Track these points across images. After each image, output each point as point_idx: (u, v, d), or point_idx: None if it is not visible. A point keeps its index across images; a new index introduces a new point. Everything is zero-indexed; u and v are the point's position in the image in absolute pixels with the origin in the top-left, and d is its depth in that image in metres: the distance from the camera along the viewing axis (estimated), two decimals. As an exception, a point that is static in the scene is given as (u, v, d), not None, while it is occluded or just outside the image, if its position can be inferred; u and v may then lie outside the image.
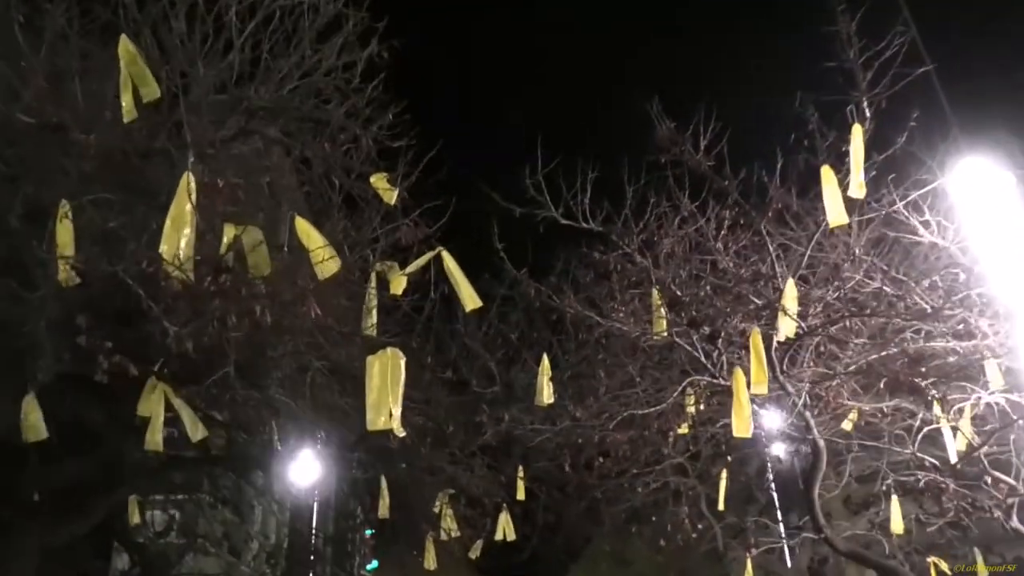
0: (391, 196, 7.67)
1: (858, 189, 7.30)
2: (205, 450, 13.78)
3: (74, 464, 11.13)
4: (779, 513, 16.69)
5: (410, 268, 7.20)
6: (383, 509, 11.96)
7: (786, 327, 8.57)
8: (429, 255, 7.18)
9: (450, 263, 7.15)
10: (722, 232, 9.60)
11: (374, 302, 7.23)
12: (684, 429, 12.54)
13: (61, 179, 6.30)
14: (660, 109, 9.40)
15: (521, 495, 14.98)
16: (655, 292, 10.01)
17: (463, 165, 9.38)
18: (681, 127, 9.31)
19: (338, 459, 13.16)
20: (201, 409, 12.54)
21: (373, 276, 7.52)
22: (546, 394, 10.60)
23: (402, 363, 5.89)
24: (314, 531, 20.42)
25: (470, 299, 7.17)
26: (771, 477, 16.40)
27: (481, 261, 10.43)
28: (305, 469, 16.99)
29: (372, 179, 7.62)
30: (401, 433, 5.77)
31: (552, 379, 10.67)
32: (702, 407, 12.41)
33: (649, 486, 14.47)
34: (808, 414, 9.71)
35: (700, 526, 14.14)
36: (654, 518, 15.19)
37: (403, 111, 8.31)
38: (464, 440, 12.09)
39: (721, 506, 13.51)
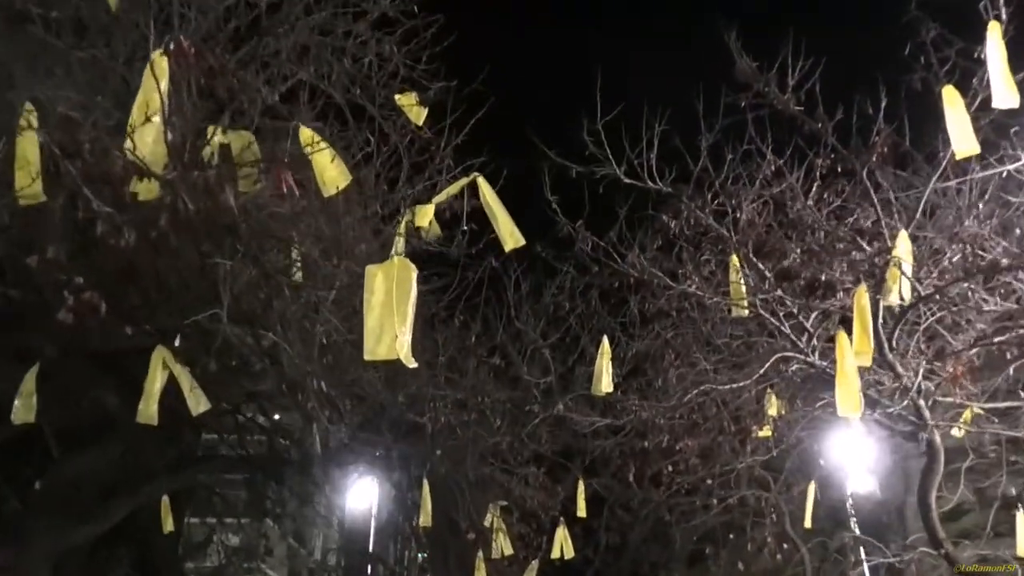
0: (420, 115, 6.42)
1: (1008, 93, 5.65)
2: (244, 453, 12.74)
3: (88, 456, 10.08)
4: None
5: (440, 196, 5.90)
6: (424, 517, 10.54)
7: (898, 289, 6.94)
8: (463, 181, 5.88)
9: (487, 193, 5.85)
10: (815, 185, 8.01)
11: (402, 245, 5.91)
12: (766, 432, 10.85)
13: (28, 77, 5.21)
14: (739, 45, 7.95)
15: (582, 512, 13.39)
16: (734, 259, 8.46)
17: (507, 111, 8.03)
18: (764, 66, 7.84)
19: (373, 455, 11.84)
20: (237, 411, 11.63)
21: (402, 223, 6.19)
22: (605, 382, 9.09)
23: (413, 276, 4.54)
24: (369, 551, 19.14)
25: (510, 236, 5.82)
26: (850, 499, 14.24)
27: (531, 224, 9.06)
28: (358, 486, 15.92)
29: (398, 98, 6.39)
30: (411, 364, 4.40)
31: (613, 363, 9.17)
32: (783, 412, 10.81)
33: (725, 502, 12.73)
34: (923, 403, 7.98)
35: (785, 546, 12.28)
36: (731, 536, 13.36)
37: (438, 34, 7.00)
38: (513, 439, 10.59)
39: (808, 523, 11.68)
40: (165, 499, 13.07)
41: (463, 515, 10.09)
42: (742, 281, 8.49)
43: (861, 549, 12.78)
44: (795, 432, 11.58)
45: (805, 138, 7.88)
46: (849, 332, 6.70)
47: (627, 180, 8.58)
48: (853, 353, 6.49)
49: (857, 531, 15.16)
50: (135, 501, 10.87)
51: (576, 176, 8.69)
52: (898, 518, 12.35)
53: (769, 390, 10.80)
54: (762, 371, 7.86)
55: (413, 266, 4.63)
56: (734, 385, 8.46)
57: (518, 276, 9.94)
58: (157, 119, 4.52)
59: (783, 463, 12.50)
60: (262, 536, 17.65)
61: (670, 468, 12.21)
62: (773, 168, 8.38)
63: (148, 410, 6.78)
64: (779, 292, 8.07)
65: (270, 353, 6.40)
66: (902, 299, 7.05)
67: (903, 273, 6.84)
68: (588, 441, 13.05)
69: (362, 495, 17.52)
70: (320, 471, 13.02)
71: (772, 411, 10.75)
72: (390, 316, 4.31)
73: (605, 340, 9.16)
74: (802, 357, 7.89)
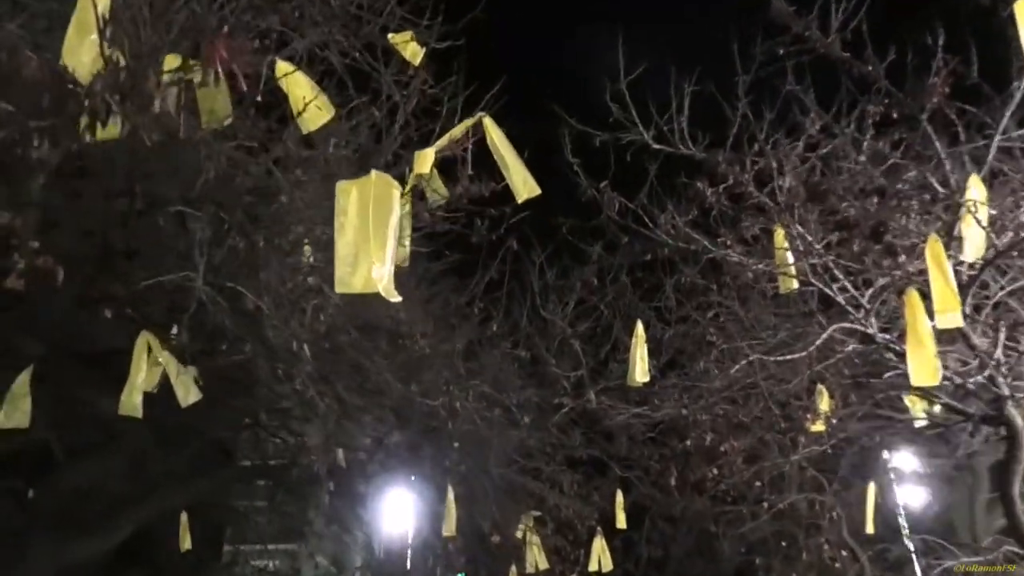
0: (417, 55, 5.66)
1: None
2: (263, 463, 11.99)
3: (90, 464, 9.40)
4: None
5: (442, 140, 5.11)
6: (449, 527, 9.66)
7: (974, 243, 5.97)
8: (468, 122, 5.08)
9: (496, 136, 5.05)
10: (867, 136, 7.07)
11: (407, 207, 5.16)
12: (819, 426, 9.81)
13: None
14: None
15: (621, 523, 12.40)
16: (778, 230, 7.54)
17: (523, 76, 7.24)
18: (803, 6, 6.99)
19: (398, 465, 11.00)
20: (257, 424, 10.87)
21: (410, 178, 5.40)
22: (640, 370, 8.20)
23: (394, 194, 3.74)
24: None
25: (523, 185, 5.01)
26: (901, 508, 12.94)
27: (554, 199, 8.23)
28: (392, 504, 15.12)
29: (391, 37, 5.63)
30: (394, 297, 3.59)
31: (648, 352, 8.28)
32: (835, 407, 9.80)
33: (775, 507, 11.63)
34: (1001, 378, 6.96)
35: (844, 553, 11.14)
36: (784, 544, 12.22)
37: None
38: (542, 439, 9.70)
39: (870, 528, 10.55)
40: (184, 515, 12.48)
41: (487, 518, 9.11)
42: (788, 252, 7.57)
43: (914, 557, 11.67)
44: (849, 427, 10.57)
45: (855, 83, 6.97)
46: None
47: (656, 146, 7.74)
48: (936, 313, 5.53)
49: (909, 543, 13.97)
50: (143, 514, 10.14)
51: (600, 145, 7.87)
52: (968, 517, 11.18)
53: (820, 384, 9.86)
54: (817, 343, 6.88)
55: (395, 183, 3.84)
56: (784, 357, 7.46)
57: (542, 263, 9.08)
58: (94, 36, 3.80)
59: (837, 464, 11.42)
60: (292, 560, 16.97)
61: (715, 471, 11.18)
62: (818, 126, 7.46)
63: (131, 401, 6.06)
64: (832, 257, 7.11)
65: (252, 322, 5.62)
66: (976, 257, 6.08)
67: (978, 221, 5.88)
68: (624, 445, 12.15)
69: (397, 514, 16.67)
70: (346, 486, 12.27)
71: (824, 406, 9.76)
72: (366, 242, 3.51)
73: (639, 326, 8.29)
74: (861, 328, 6.90)
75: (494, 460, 8.50)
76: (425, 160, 4.84)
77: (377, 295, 3.74)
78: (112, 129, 4.10)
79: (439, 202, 6.01)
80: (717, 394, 9.66)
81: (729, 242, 7.51)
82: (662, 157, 7.75)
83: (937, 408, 10.49)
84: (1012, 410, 7.15)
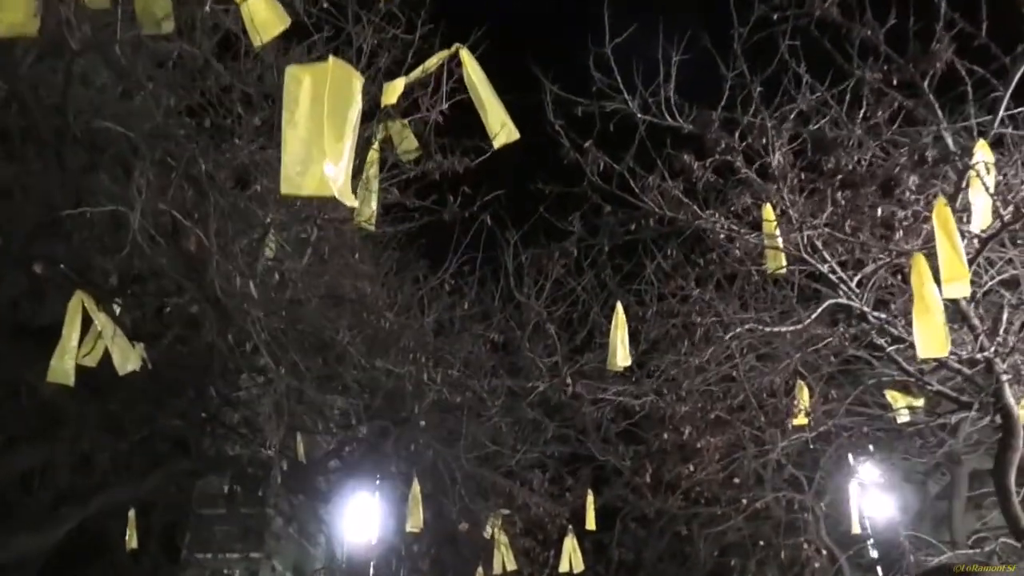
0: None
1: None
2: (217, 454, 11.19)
3: (28, 453, 8.61)
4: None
5: (415, 72, 4.55)
6: (414, 521, 9.02)
7: (981, 211, 5.53)
8: (443, 54, 4.53)
9: (473, 72, 4.51)
10: (865, 105, 6.61)
11: (374, 154, 4.60)
12: (801, 420, 9.35)
13: None
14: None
15: (591, 524, 11.81)
16: (767, 209, 7.06)
17: (502, 40, 6.69)
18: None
19: (363, 463, 10.34)
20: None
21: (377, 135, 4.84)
22: (620, 355, 7.67)
23: (355, 85, 3.14)
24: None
25: (501, 127, 4.46)
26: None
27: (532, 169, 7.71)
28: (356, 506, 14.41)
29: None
30: (350, 200, 3.01)
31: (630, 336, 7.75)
32: (816, 401, 9.36)
33: (752, 506, 11.14)
34: (998, 361, 6.53)
35: (823, 552, 10.66)
36: (760, 544, 11.72)
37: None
38: (515, 430, 9.11)
39: (856, 528, 10.10)
40: (132, 513, 11.66)
41: (454, 511, 8.48)
42: (776, 228, 7.09)
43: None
44: (830, 424, 10.15)
45: (852, 51, 6.50)
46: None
47: (641, 116, 7.23)
48: (943, 281, 5.07)
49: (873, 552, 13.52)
50: (90, 508, 9.34)
51: (582, 116, 7.34)
52: (947, 518, 10.79)
53: (800, 380, 9.43)
54: (813, 316, 6.38)
55: (357, 73, 3.25)
56: (773, 329, 6.92)
57: (517, 242, 8.53)
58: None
59: (816, 462, 10.98)
60: (249, 564, 16.20)
61: (691, 468, 10.67)
62: (813, 98, 7.01)
63: (61, 366, 5.38)
64: (826, 229, 6.63)
65: (196, 271, 4.98)
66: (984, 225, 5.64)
67: (986, 187, 5.44)
68: (597, 443, 11.60)
69: (361, 519, 15.87)
70: (306, 484, 11.56)
71: (804, 401, 9.33)
72: (319, 136, 2.93)
73: (620, 308, 7.77)
74: (856, 305, 6.41)
75: (463, 450, 7.85)
76: (394, 90, 4.27)
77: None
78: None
79: (410, 156, 5.43)
80: (698, 375, 9.17)
81: (717, 215, 7.00)
82: (647, 126, 7.23)
83: (920, 403, 10.17)
84: (1009, 396, 6.74)
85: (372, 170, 5.34)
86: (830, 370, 9.00)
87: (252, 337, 5.03)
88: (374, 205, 5.41)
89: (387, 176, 8.23)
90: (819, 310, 6.35)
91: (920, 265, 5.14)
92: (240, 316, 4.98)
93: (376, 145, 5.26)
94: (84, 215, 5.52)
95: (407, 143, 5.32)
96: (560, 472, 11.77)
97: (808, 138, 7.31)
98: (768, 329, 6.87)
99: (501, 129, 4.52)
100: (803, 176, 7.16)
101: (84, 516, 9.29)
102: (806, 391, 9.30)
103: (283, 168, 3.00)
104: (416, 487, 9.11)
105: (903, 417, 9.82)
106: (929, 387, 7.39)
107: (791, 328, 6.68)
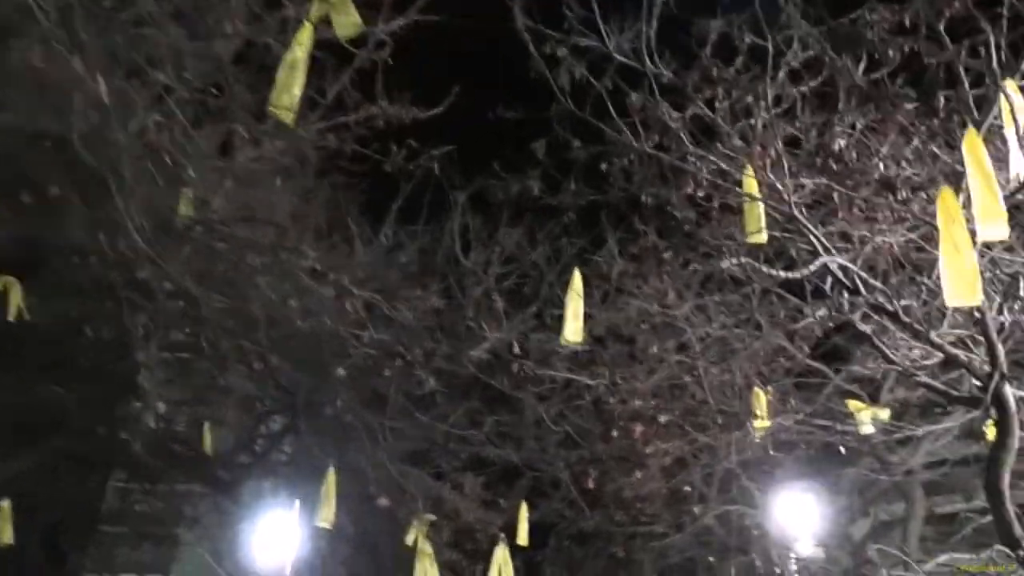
0: None
1: None
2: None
3: None
4: None
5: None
6: (326, 512, 7.77)
7: (1018, 157, 4.72)
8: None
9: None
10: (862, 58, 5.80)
11: (307, 31, 3.58)
12: (763, 423, 8.51)
13: None
14: None
15: (524, 539, 10.60)
16: (748, 174, 6.19)
17: None
18: None
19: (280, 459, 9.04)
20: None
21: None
22: (573, 328, 6.66)
23: None
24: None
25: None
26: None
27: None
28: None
29: None
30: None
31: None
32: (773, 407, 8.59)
33: (701, 521, 10.17)
34: (1000, 345, 5.74)
35: (777, 571, 9.72)
36: (711, 559, 10.73)
37: None
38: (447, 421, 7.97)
39: (809, 547, 9.21)
40: (6, 503, 10.02)
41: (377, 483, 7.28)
42: (759, 206, 6.21)
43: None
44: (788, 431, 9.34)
45: None
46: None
47: (619, 57, 6.29)
48: (978, 220, 4.23)
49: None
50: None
51: (553, 53, 6.36)
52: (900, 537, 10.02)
53: (757, 385, 8.63)
54: (813, 267, 5.45)
55: None
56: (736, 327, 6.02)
57: (465, 203, 7.50)
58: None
59: (771, 474, 10.09)
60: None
61: (638, 476, 9.68)
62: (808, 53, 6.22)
63: None
64: (822, 180, 5.78)
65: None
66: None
67: (1017, 129, 4.66)
68: (536, 451, 10.54)
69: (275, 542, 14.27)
70: (207, 473, 10.16)
71: (761, 409, 8.54)
72: None
73: (576, 275, 6.75)
74: (853, 268, 5.52)
75: (386, 431, 6.68)
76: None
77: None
78: None
79: (349, 33, 4.39)
80: (651, 375, 8.26)
81: (699, 163, 6.09)
82: (621, 71, 6.30)
83: (885, 415, 9.43)
84: (1007, 389, 5.94)
85: (300, 51, 4.27)
86: (790, 380, 8.20)
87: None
88: (297, 92, 4.34)
89: (324, 116, 7.25)
90: (815, 265, 5.44)
91: (947, 198, 4.30)
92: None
93: (310, 21, 4.21)
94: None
95: (346, 18, 4.28)
96: (494, 477, 10.65)
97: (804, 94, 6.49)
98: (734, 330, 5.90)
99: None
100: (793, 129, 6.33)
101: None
102: (763, 396, 8.50)
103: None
104: (331, 476, 7.87)
105: (866, 429, 9.11)
106: (916, 378, 6.57)
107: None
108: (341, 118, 7.12)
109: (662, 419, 9.22)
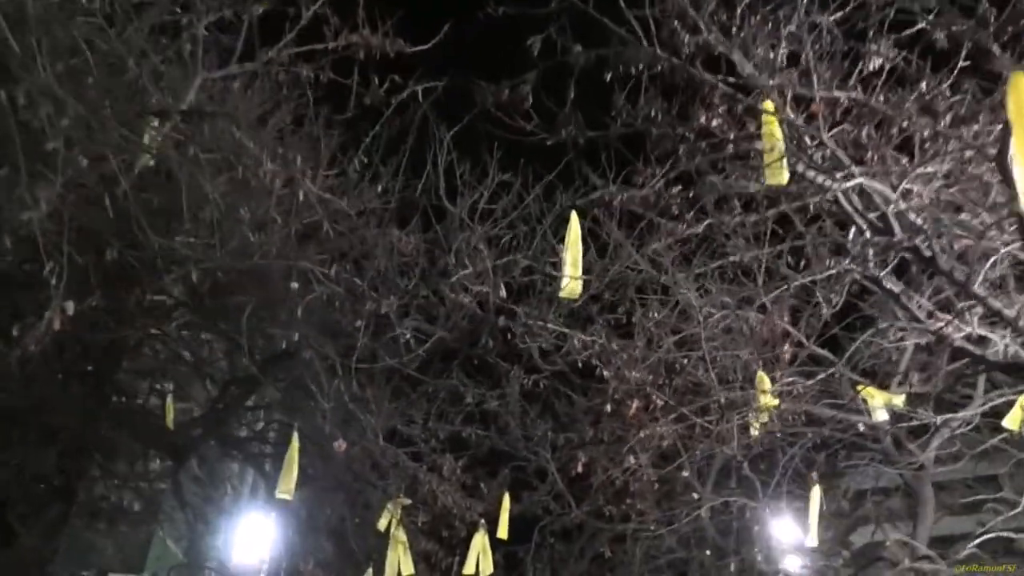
0: None
1: None
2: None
3: None
4: None
5: None
6: (285, 485, 6.97)
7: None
8: None
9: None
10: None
11: None
12: (770, 401, 7.78)
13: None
14: None
15: (504, 532, 9.77)
16: (768, 107, 5.44)
17: None
18: None
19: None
20: None
21: None
22: (571, 279, 5.88)
23: None
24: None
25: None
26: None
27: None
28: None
29: None
30: None
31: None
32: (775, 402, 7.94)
33: (697, 511, 9.36)
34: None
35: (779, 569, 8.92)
36: (708, 553, 9.92)
37: None
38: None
39: (812, 540, 8.39)
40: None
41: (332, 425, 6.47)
42: (779, 137, 5.46)
43: None
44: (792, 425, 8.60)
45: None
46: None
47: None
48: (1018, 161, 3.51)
49: None
50: None
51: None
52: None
53: (760, 371, 7.92)
54: (843, 185, 4.69)
55: None
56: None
57: (450, 141, 6.77)
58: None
59: (771, 466, 9.31)
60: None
61: (632, 460, 8.89)
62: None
63: None
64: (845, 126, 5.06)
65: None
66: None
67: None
68: (519, 440, 9.75)
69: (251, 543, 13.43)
70: (163, 440, 9.29)
71: (764, 396, 7.86)
72: None
73: (574, 219, 5.96)
74: (895, 199, 4.76)
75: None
76: None
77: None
78: None
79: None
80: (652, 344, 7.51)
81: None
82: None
83: (901, 400, 8.69)
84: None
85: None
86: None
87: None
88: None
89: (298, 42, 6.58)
90: (849, 183, 4.69)
91: (1020, 84, 3.57)
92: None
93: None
94: None
95: None
96: (475, 461, 9.83)
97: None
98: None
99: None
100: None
101: None
102: (767, 380, 7.78)
103: None
104: (294, 443, 7.07)
105: (880, 415, 8.41)
106: (949, 341, 5.82)
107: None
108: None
109: (658, 400, 8.49)
